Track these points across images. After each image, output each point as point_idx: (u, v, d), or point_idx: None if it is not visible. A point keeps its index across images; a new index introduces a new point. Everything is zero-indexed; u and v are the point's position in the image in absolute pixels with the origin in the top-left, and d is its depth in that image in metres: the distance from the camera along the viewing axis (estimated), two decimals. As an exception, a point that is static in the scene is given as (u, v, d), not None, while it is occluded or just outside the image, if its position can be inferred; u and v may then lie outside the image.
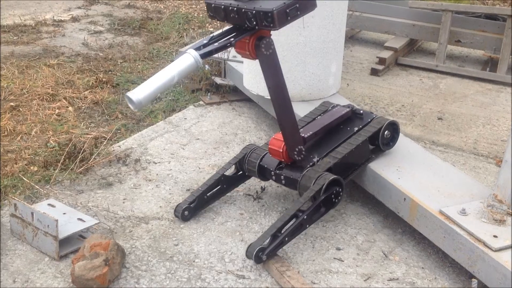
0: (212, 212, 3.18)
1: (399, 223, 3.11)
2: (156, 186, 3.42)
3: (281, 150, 2.98)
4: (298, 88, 3.93)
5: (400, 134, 3.57)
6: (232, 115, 4.42)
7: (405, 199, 2.90)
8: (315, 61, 3.88)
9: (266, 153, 3.14)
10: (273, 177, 3.11)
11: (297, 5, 2.62)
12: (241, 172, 3.25)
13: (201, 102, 4.59)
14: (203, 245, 2.91)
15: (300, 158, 2.99)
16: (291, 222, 2.78)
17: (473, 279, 2.47)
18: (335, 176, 2.89)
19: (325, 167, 2.97)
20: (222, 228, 3.05)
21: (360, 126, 3.24)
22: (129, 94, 2.41)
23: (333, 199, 2.92)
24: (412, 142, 3.50)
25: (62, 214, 2.89)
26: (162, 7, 7.59)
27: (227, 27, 2.79)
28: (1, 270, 2.67)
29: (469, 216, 2.68)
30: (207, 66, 4.91)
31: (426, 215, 2.77)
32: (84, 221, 2.86)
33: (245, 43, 2.69)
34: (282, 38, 3.74)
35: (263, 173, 3.17)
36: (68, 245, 2.78)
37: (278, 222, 2.75)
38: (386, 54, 5.47)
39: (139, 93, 2.40)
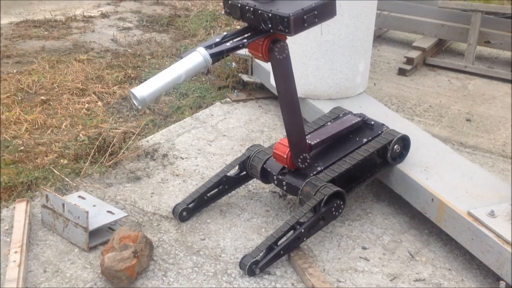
0: (238, 208, 3.20)
1: (425, 223, 3.09)
2: (183, 181, 3.45)
3: (285, 156, 2.91)
4: (326, 87, 3.93)
5: (428, 134, 3.56)
6: (259, 112, 4.44)
7: (433, 199, 2.88)
8: (343, 59, 3.87)
9: (270, 156, 3.07)
10: (275, 181, 3.04)
11: (316, 12, 2.53)
12: (244, 172, 3.20)
13: (227, 99, 4.62)
14: (229, 240, 2.93)
15: (304, 166, 2.93)
16: (289, 234, 2.72)
17: (501, 281, 2.45)
18: (338, 189, 2.81)
19: (328, 178, 2.88)
20: (248, 224, 3.07)
21: (370, 138, 3.12)
22: (133, 90, 2.29)
23: (334, 212, 2.84)
24: (440, 142, 3.48)
25: (92, 206, 2.94)
26: (189, 4, 7.63)
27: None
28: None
29: (498, 218, 2.66)
30: (234, 64, 4.93)
31: (454, 216, 2.76)
32: (114, 214, 2.91)
33: (259, 44, 2.62)
34: (311, 35, 3.74)
35: (266, 176, 3.10)
36: (97, 237, 2.83)
37: (276, 233, 2.69)
38: (414, 54, 5.42)
39: (143, 90, 2.29)
